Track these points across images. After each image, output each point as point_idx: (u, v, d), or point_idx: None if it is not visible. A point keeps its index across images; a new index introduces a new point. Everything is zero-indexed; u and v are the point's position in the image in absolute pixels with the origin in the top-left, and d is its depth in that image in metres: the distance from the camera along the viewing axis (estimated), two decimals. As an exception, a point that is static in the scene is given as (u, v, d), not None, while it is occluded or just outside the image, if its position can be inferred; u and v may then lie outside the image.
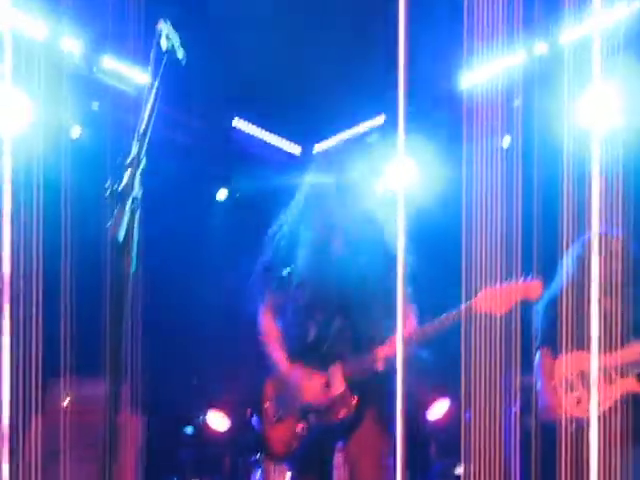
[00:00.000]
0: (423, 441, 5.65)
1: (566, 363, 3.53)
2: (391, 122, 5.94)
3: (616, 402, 3.41)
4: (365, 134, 6.02)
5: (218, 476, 5.14)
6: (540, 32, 5.23)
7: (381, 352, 2.70)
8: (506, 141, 5.80)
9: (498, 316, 2.66)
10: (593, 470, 3.43)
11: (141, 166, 1.74)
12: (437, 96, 5.81)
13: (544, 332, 3.64)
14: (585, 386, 3.48)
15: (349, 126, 6.18)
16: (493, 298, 2.65)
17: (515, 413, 4.93)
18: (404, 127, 2.55)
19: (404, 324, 2.78)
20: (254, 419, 2.79)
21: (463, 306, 2.65)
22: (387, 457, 2.72)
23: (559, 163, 5.14)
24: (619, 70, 4.57)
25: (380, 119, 6.01)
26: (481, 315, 2.68)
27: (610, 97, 4.92)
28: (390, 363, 2.70)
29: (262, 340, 2.79)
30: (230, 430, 5.45)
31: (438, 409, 5.84)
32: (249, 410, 2.84)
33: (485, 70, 5.30)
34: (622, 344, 3.35)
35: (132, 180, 1.71)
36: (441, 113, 5.80)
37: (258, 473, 4.72)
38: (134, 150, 1.75)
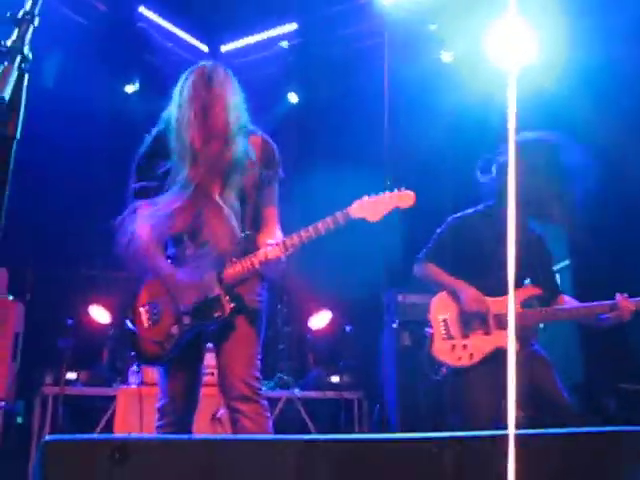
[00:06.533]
0: (304, 348, 5.81)
1: (436, 306, 3.35)
2: (304, 30, 5.85)
3: (486, 357, 3.20)
4: (277, 39, 5.89)
5: (96, 368, 5.12)
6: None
7: (260, 256, 2.69)
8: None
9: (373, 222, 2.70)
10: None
11: (35, 23, 1.63)
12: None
13: (436, 244, 3.43)
14: (458, 333, 3.26)
15: (259, 30, 6.05)
16: (367, 206, 2.68)
17: (394, 329, 5.01)
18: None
19: (267, 235, 2.78)
20: (128, 323, 2.78)
21: (338, 213, 2.66)
22: (256, 359, 2.77)
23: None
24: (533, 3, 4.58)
25: (292, 26, 5.90)
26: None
27: (523, 31, 4.80)
28: (271, 266, 2.71)
29: (141, 251, 2.71)
30: (111, 325, 5.41)
31: (320, 319, 5.99)
32: (128, 313, 2.81)
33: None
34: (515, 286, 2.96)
35: (23, 37, 1.61)
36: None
37: (134, 367, 4.74)
38: (27, 5, 1.63)
